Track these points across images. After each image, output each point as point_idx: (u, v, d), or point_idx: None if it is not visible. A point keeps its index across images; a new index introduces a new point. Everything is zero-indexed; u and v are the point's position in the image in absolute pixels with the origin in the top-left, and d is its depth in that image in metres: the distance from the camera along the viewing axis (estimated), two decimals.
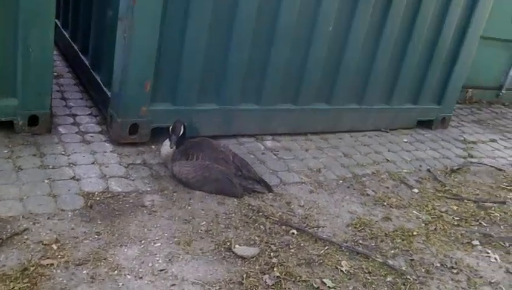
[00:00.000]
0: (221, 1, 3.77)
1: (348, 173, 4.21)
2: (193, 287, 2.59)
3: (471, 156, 5.14)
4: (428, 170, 4.60)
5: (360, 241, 3.26)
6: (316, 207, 3.58)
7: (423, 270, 3.10)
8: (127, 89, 3.65)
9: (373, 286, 2.86)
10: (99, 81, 4.23)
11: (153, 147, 3.92)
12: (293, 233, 3.19)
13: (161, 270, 2.66)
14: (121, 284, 2.51)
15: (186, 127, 3.54)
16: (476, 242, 3.50)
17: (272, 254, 2.95)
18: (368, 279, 2.91)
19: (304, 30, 4.24)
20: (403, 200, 3.93)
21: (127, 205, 3.15)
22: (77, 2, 4.85)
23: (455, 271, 3.15)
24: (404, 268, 3.07)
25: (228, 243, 2.97)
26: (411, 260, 3.18)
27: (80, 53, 4.82)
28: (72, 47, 5.05)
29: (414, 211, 3.78)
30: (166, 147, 3.54)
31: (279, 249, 3.00)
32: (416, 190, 4.14)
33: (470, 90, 6.98)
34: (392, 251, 3.23)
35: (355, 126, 5.08)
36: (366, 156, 4.61)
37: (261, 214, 3.33)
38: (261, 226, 3.21)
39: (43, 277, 2.44)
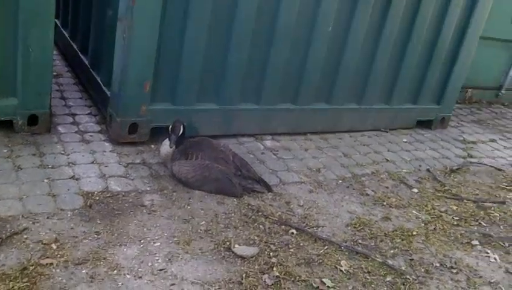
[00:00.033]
0: (221, 1, 3.77)
1: (348, 173, 4.21)
2: (192, 286, 2.59)
3: (471, 156, 5.15)
4: (428, 170, 4.60)
5: (360, 241, 3.26)
6: (316, 207, 3.58)
7: (423, 270, 3.10)
8: (127, 89, 3.65)
9: (372, 285, 2.87)
10: (99, 80, 4.23)
11: (153, 146, 3.92)
12: (293, 233, 3.19)
13: (160, 269, 2.66)
14: (120, 283, 2.51)
15: (185, 126, 3.54)
16: (475, 242, 3.51)
17: (271, 253, 2.95)
18: (368, 279, 2.91)
19: (304, 30, 4.24)
20: (403, 200, 3.94)
21: (127, 205, 3.15)
22: (77, 2, 4.85)
23: (455, 271, 3.15)
24: (403, 268, 3.07)
25: (228, 243, 2.97)
26: (410, 259, 3.18)
27: (79, 53, 4.82)
28: (71, 46, 5.05)
29: (414, 211, 3.78)
30: (166, 147, 3.54)
31: (279, 249, 3.00)
32: (415, 190, 4.14)
33: (470, 90, 6.99)
34: (392, 251, 3.23)
35: (354, 126, 5.09)
36: (365, 156, 4.61)
37: (260, 213, 3.34)
38: (261, 226, 3.21)
39: (42, 276, 2.44)
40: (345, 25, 4.44)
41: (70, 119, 4.10)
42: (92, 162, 3.55)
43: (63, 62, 5.33)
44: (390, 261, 3.10)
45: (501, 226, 3.80)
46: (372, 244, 3.27)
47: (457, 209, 3.93)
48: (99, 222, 2.94)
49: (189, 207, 3.27)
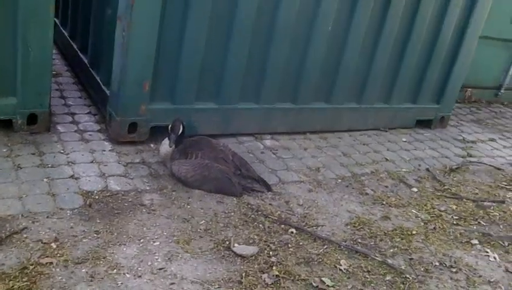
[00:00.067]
0: (221, 0, 3.77)
1: (347, 172, 4.21)
2: (192, 286, 2.59)
3: (470, 156, 5.15)
4: (428, 169, 4.60)
5: (359, 240, 3.26)
6: (315, 206, 3.58)
7: (422, 269, 3.10)
8: (126, 88, 3.65)
9: (372, 284, 2.87)
10: (98, 80, 4.23)
11: (152, 145, 3.91)
12: (292, 232, 3.19)
13: (160, 269, 2.66)
14: (120, 283, 2.50)
15: (185, 126, 3.54)
16: (475, 241, 3.51)
17: (271, 252, 2.95)
18: (367, 278, 2.91)
19: (303, 29, 4.24)
20: (402, 199, 3.94)
21: (126, 204, 3.15)
22: (76, 1, 4.84)
23: (454, 270, 3.15)
24: (403, 267, 3.07)
25: (227, 242, 2.97)
26: (410, 259, 3.18)
27: (79, 52, 4.82)
28: (71, 46, 5.04)
29: (413, 210, 3.79)
30: (166, 146, 3.54)
31: (278, 248, 3.00)
32: (415, 189, 4.14)
33: (469, 89, 6.98)
34: (391, 250, 3.23)
35: (354, 125, 5.08)
36: (365, 155, 4.61)
37: (260, 213, 3.34)
38: (260, 225, 3.21)
39: (42, 276, 2.44)
40: (345, 24, 4.44)
41: (69, 118, 4.10)
42: (92, 162, 3.54)
43: (62, 61, 5.33)
44: (389, 261, 3.10)
45: (500, 226, 3.80)
46: (372, 243, 3.27)
47: (456, 208, 3.93)
48: (98, 221, 2.94)
49: (188, 206, 3.27)
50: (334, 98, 4.76)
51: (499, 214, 3.95)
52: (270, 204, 3.48)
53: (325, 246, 3.12)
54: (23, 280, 2.39)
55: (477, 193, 4.28)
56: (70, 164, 3.46)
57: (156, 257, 2.73)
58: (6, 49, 3.37)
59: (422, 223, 3.63)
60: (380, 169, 4.39)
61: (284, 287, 2.69)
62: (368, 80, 4.88)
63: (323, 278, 2.81)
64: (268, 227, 3.20)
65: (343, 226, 3.41)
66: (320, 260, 2.98)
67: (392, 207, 3.77)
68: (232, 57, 3.99)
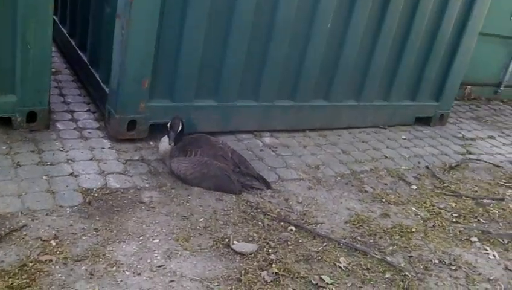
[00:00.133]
0: None
1: (346, 170, 4.21)
2: (191, 283, 2.59)
3: (470, 153, 5.15)
4: (427, 167, 4.60)
5: (359, 238, 3.27)
6: (314, 204, 3.58)
7: (421, 266, 3.10)
8: (125, 86, 3.64)
9: (371, 282, 2.87)
10: (98, 77, 4.23)
11: (151, 143, 3.91)
12: (292, 230, 3.19)
13: (159, 266, 2.66)
14: (119, 280, 2.51)
15: (184, 123, 3.54)
16: (474, 239, 3.51)
17: (270, 250, 2.95)
18: (366, 275, 2.91)
19: (303, 26, 4.24)
20: (402, 196, 3.94)
21: (125, 202, 3.15)
22: None
23: (454, 268, 3.15)
24: (402, 265, 3.08)
25: (226, 240, 2.97)
26: (409, 256, 3.18)
27: (78, 49, 4.81)
28: (70, 43, 5.04)
29: (412, 208, 3.79)
30: (165, 144, 3.54)
31: (278, 246, 3.01)
32: (414, 187, 4.14)
33: (469, 87, 6.98)
34: (391, 248, 3.23)
35: (353, 123, 5.08)
36: (364, 153, 4.61)
37: (259, 210, 3.34)
38: (260, 223, 3.21)
39: (41, 273, 2.44)
40: (344, 21, 4.44)
41: (69, 116, 4.09)
42: (91, 159, 3.54)
43: (61, 59, 5.32)
44: (389, 258, 3.10)
45: (500, 223, 3.81)
46: (371, 241, 3.27)
47: (456, 206, 3.93)
48: (98, 218, 2.94)
49: (188, 204, 3.27)
50: (333, 96, 4.77)
51: (498, 212, 3.95)
52: (269, 202, 3.48)
53: (325, 244, 3.12)
54: (23, 277, 2.39)
55: (476, 191, 4.29)
56: (69, 161, 3.45)
57: (156, 255, 2.73)
58: (5, 46, 3.37)
59: (422, 221, 3.63)
60: (379, 166, 4.39)
61: (283, 284, 2.70)
62: (367, 77, 4.88)
63: (322, 276, 2.82)
64: (268, 225, 3.20)
65: (342, 223, 3.41)
66: (320, 257, 2.98)
67: (392, 205, 3.78)
68: (231, 53, 3.99)
